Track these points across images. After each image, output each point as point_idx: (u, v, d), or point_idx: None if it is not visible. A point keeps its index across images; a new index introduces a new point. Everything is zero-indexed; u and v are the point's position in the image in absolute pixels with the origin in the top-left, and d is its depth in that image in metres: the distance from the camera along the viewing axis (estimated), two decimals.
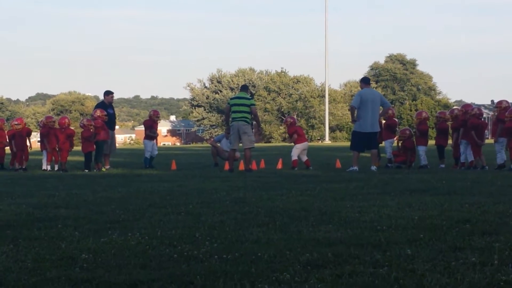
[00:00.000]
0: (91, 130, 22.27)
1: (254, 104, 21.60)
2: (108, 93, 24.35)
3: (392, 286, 5.57)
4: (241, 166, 21.61)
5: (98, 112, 23.00)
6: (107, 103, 24.08)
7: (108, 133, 23.11)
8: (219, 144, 24.93)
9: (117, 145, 28.09)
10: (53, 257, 7.02)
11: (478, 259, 6.49)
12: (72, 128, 24.13)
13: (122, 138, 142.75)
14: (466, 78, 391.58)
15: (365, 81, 21.60)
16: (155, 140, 24.50)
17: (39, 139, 24.55)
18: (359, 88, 21.80)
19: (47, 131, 23.45)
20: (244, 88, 22.25)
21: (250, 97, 21.95)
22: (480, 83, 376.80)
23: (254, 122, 22.48)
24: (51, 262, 6.81)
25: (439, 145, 22.12)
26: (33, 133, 28.54)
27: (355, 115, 20.76)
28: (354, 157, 20.73)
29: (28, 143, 24.08)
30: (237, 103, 21.08)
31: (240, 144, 21.19)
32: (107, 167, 23.29)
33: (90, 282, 5.91)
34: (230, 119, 21.56)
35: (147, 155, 24.09)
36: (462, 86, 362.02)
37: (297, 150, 22.53)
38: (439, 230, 8.25)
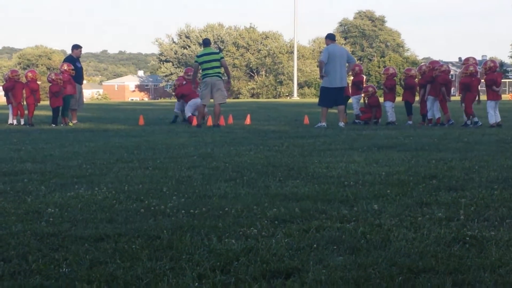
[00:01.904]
0: (60, 84, 22.06)
1: (223, 57, 21.49)
2: (76, 47, 24.09)
3: (359, 240, 5.59)
4: (209, 122, 21.54)
5: (65, 66, 22.77)
6: (75, 57, 23.83)
7: (75, 88, 22.90)
8: None
9: (84, 100, 27.84)
10: (19, 211, 6.97)
11: (444, 214, 6.53)
12: (38, 82, 23.86)
13: (90, 93, 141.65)
14: (434, 36, 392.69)
15: (331, 37, 21.54)
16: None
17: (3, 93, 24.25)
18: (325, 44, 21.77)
19: (12, 85, 23.18)
20: (208, 42, 22.01)
21: (218, 51, 21.85)
22: (448, 41, 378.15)
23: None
24: (16, 216, 6.75)
25: (407, 101, 22.17)
26: None
27: (323, 70, 20.71)
28: (322, 113, 20.72)
29: None
30: (208, 59, 20.88)
31: (211, 100, 21.06)
32: (75, 121, 23.13)
33: (56, 236, 5.87)
34: (201, 75, 21.38)
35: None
36: (430, 44, 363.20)
37: (190, 108, 22.96)
38: (406, 185, 8.29)
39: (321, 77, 21.17)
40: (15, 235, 5.92)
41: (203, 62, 20.88)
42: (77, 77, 23.27)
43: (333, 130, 18.71)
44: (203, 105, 21.14)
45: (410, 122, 21.58)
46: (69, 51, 24.61)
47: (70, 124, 22.41)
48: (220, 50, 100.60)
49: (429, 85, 20.80)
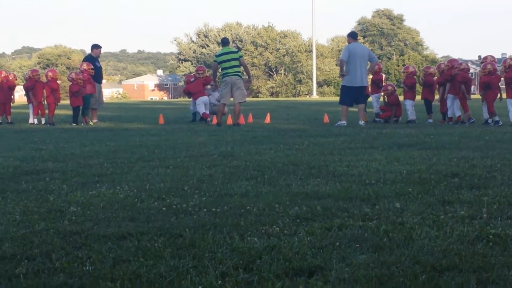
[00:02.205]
0: (80, 84, 22.14)
1: (242, 56, 21.49)
2: (96, 47, 24.19)
3: (381, 239, 5.57)
4: (229, 121, 21.57)
5: (85, 66, 22.86)
6: (94, 57, 23.92)
7: (94, 87, 22.99)
8: None
9: (104, 99, 27.94)
10: (41, 210, 6.99)
11: (466, 213, 6.50)
12: (58, 82, 23.94)
13: (109, 92, 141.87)
14: (453, 34, 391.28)
15: (352, 35, 21.52)
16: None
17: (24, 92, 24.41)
18: (346, 43, 21.75)
19: (32, 85, 23.31)
20: (226, 42, 22.05)
21: (236, 50, 21.91)
22: (467, 39, 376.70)
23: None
24: (39, 214, 6.78)
25: (426, 99, 22.12)
26: (18, 87, 28.43)
27: (344, 69, 20.70)
28: (343, 111, 20.71)
29: (12, 97, 24.04)
30: (226, 58, 20.89)
31: (231, 99, 21.10)
32: (95, 120, 23.21)
33: (79, 235, 5.89)
34: (220, 74, 21.41)
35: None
36: (449, 42, 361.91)
37: (200, 106, 23.42)
38: (427, 184, 8.25)
39: (341, 76, 21.14)
40: (38, 234, 5.94)
41: (222, 62, 20.90)
42: (97, 76, 23.37)
43: (353, 128, 18.67)
44: (223, 104, 21.18)
45: (431, 121, 21.52)
46: (88, 51, 24.72)
47: (91, 123, 22.49)
48: (239, 49, 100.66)
49: (449, 83, 20.72)
